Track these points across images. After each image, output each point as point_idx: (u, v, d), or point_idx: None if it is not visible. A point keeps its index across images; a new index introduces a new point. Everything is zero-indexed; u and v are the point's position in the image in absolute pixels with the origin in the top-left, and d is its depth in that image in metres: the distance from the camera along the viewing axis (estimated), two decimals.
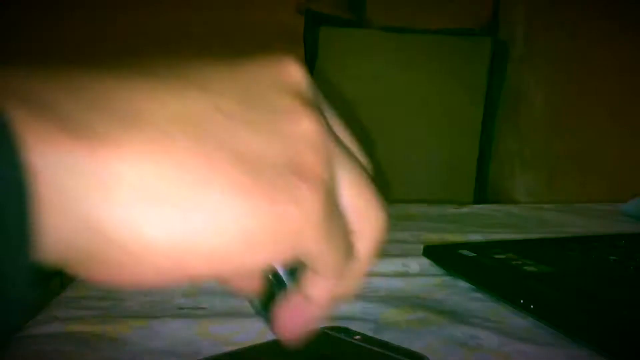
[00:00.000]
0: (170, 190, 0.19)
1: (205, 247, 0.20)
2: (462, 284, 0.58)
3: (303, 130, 0.22)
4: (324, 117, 0.24)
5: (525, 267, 0.56)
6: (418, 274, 0.62)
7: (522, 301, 0.50)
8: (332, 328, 0.42)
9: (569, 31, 1.58)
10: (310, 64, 1.76)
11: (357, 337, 0.41)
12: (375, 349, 0.40)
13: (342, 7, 1.85)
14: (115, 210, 0.19)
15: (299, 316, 0.25)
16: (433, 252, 0.65)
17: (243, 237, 0.20)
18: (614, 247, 0.63)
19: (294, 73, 0.24)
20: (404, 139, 1.81)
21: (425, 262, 0.65)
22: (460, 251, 0.62)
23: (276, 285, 0.24)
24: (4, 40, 1.63)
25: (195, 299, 0.55)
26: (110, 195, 0.18)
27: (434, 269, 0.63)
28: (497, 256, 0.60)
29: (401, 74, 1.80)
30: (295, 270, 0.24)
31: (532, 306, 0.49)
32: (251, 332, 0.46)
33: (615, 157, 1.42)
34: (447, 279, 0.60)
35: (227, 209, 0.20)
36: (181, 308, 0.52)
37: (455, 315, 0.50)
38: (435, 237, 0.77)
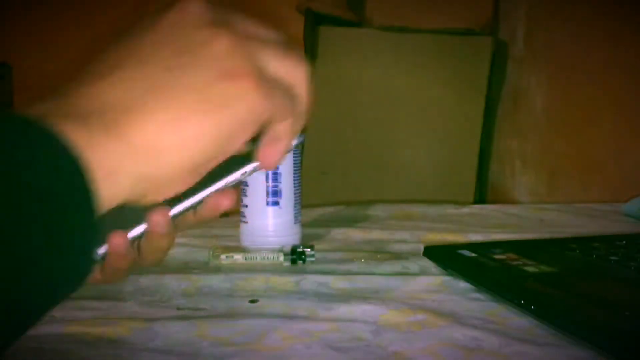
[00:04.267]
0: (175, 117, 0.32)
1: (205, 143, 0.33)
2: (462, 284, 0.58)
3: (218, 48, 0.33)
4: (233, 22, 0.34)
5: (526, 268, 0.56)
6: (418, 274, 0.62)
7: (522, 302, 0.50)
8: None
9: (570, 31, 1.58)
10: (310, 64, 1.76)
11: None
12: None
13: (342, 7, 1.85)
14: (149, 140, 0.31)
15: (275, 150, 0.37)
16: (433, 253, 0.65)
17: (221, 140, 0.33)
18: (615, 247, 0.63)
19: (192, 9, 0.34)
20: (403, 139, 1.80)
21: (425, 262, 0.65)
22: (461, 251, 0.62)
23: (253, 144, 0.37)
24: None
25: (194, 299, 0.54)
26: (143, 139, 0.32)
27: (434, 269, 0.63)
28: (497, 256, 0.60)
29: (401, 73, 1.80)
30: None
31: (532, 307, 0.49)
32: (251, 333, 0.46)
33: (616, 157, 1.42)
34: (447, 279, 0.60)
35: (206, 124, 0.32)
36: (180, 309, 0.52)
37: (456, 316, 0.50)
38: (435, 237, 0.77)
